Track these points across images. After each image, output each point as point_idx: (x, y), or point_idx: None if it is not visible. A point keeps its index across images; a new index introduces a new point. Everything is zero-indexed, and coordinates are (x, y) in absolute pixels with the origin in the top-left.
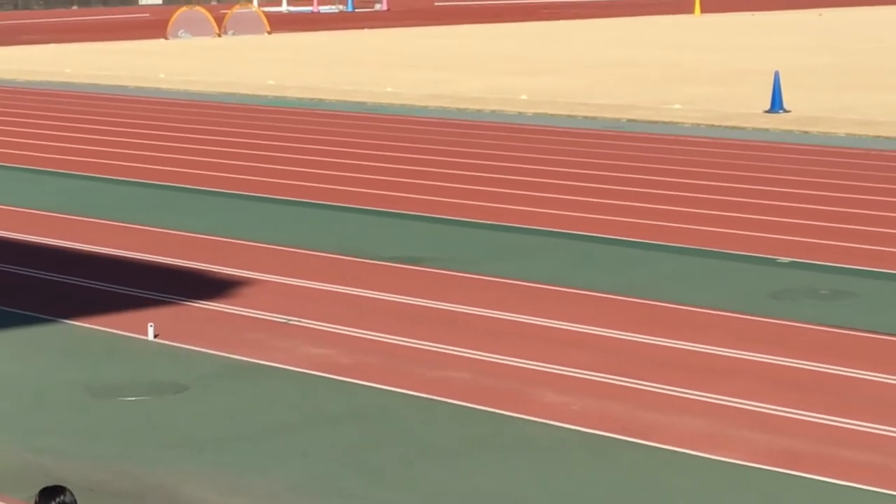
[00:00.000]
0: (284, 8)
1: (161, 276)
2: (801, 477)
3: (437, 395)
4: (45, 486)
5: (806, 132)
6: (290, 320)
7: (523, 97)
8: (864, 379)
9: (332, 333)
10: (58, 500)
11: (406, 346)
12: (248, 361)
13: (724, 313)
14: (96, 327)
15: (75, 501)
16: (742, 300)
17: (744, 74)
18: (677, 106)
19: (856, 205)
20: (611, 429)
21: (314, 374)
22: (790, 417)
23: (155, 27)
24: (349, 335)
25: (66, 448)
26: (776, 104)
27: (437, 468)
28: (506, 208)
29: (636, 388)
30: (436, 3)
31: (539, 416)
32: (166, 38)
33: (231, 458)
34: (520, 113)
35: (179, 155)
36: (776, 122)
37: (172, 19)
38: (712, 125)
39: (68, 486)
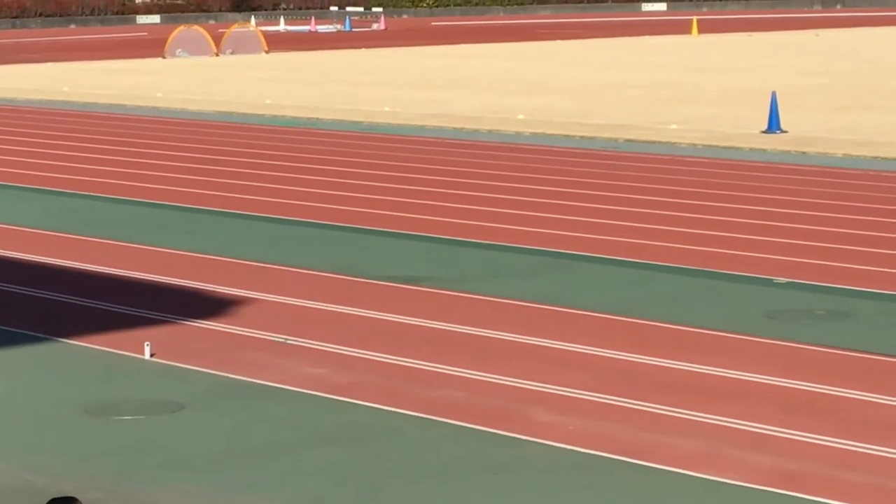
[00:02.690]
0: (282, 27)
1: (158, 294)
2: (799, 498)
3: (433, 414)
4: (53, 497)
5: (803, 152)
6: (286, 339)
7: (520, 117)
8: (861, 400)
9: (329, 353)
10: None
11: (403, 366)
12: (244, 381)
13: (720, 334)
14: (92, 346)
15: None
16: (738, 321)
17: (741, 95)
18: (674, 126)
19: (853, 225)
20: (607, 449)
21: (311, 394)
22: (788, 438)
23: (152, 46)
24: (346, 354)
25: (61, 467)
26: (773, 125)
27: (433, 488)
28: (503, 228)
29: (632, 409)
30: (433, 23)
31: (535, 436)
32: (164, 57)
33: (227, 478)
34: (517, 133)
35: (176, 174)
36: (773, 142)
37: (170, 38)
38: (709, 145)
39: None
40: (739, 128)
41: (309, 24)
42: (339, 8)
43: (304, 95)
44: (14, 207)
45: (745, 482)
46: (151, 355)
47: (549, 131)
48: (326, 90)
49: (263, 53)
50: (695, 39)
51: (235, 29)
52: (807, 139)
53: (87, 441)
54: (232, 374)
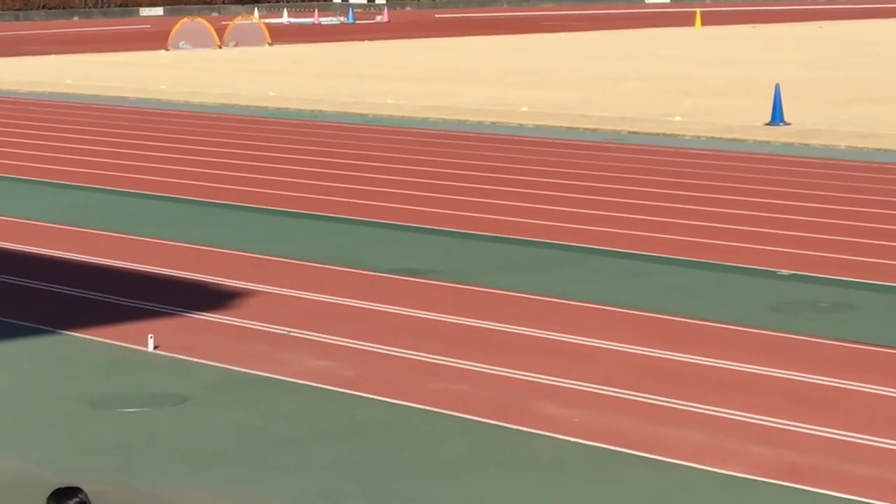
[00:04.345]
0: (286, 20)
1: (162, 287)
2: (804, 490)
3: (439, 407)
4: (57, 487)
5: (807, 145)
6: (290, 332)
7: (524, 109)
8: (866, 392)
9: (334, 345)
10: (74, 500)
11: (408, 359)
12: (249, 373)
13: (725, 326)
14: (96, 338)
15: (90, 502)
16: (742, 313)
17: (744, 87)
18: (678, 118)
19: (857, 217)
20: (613, 442)
21: (316, 387)
22: (794, 431)
23: (156, 38)
24: (351, 347)
25: (66, 460)
26: (777, 117)
27: (439, 481)
28: (508, 221)
29: (638, 401)
30: (436, 15)
31: (541, 430)
32: (167, 50)
33: (232, 471)
34: (521, 125)
35: (179, 167)
36: (777, 134)
37: (173, 31)
38: (713, 137)
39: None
40: (743, 120)
41: (312, 16)
42: (343, 0)
43: (307, 88)
44: (18, 200)
45: (751, 475)
46: (155, 348)
47: (552, 123)
48: (330, 83)
49: (267, 46)
50: (698, 31)
51: (239, 21)
52: (810, 131)
53: (92, 434)
54: (236, 366)
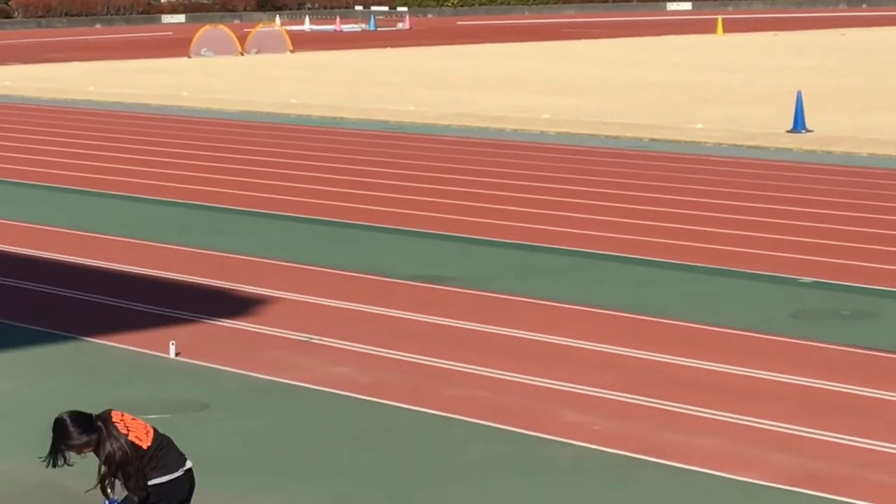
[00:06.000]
0: (307, 27)
1: (183, 294)
2: (824, 498)
3: (457, 414)
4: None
5: (828, 152)
6: (311, 339)
7: (545, 116)
8: (886, 399)
9: (354, 352)
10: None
11: (427, 365)
12: (269, 380)
13: (745, 333)
14: (118, 345)
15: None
16: (764, 320)
17: (766, 94)
18: (700, 126)
19: (879, 225)
20: (633, 449)
21: (335, 393)
22: (813, 438)
23: (178, 45)
24: (370, 354)
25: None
26: (798, 124)
27: (459, 488)
28: (528, 227)
29: (657, 408)
30: (458, 23)
31: (560, 436)
32: (189, 57)
33: (251, 477)
34: (542, 132)
35: (201, 173)
36: (798, 142)
37: (195, 38)
38: (735, 145)
39: None
40: (765, 127)
41: (334, 23)
42: (364, 7)
43: (329, 95)
44: (41, 207)
45: (771, 482)
46: (177, 354)
47: (574, 130)
48: (352, 90)
49: (288, 53)
50: (720, 39)
51: (260, 28)
52: (832, 139)
53: None
54: (257, 373)
